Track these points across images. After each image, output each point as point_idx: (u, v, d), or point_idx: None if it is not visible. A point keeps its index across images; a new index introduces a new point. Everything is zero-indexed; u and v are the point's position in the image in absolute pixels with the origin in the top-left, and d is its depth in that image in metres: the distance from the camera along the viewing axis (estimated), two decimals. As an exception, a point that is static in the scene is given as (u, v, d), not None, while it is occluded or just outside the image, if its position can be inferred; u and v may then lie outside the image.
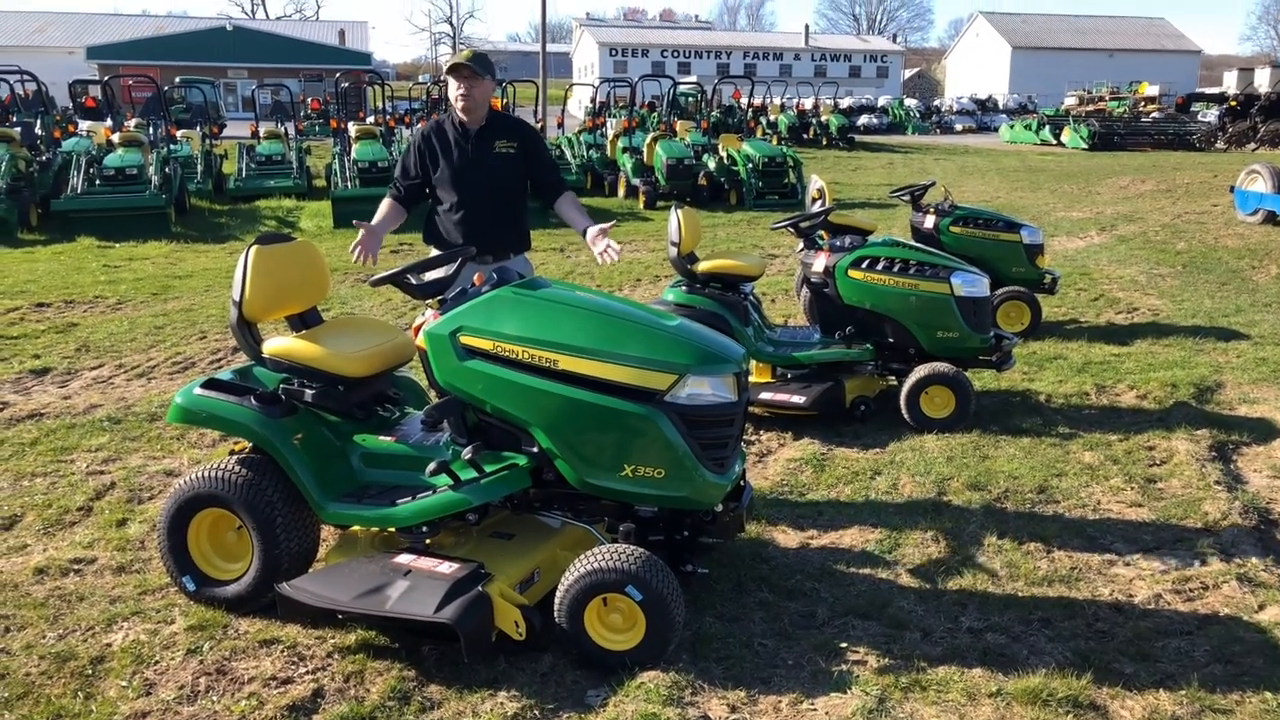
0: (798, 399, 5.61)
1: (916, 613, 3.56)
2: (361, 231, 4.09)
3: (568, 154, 19.40)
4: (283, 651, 3.27)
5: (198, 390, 3.59)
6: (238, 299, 3.61)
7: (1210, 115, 35.76)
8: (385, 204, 4.34)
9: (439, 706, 3.00)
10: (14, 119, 19.15)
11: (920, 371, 5.55)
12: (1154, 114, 38.79)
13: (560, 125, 22.48)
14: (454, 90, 4.18)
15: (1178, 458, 5.04)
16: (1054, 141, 34.46)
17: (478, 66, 4.15)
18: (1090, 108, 40.95)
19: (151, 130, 17.39)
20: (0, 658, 3.25)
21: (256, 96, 24.29)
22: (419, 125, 18.94)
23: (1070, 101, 44.30)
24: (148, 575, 3.84)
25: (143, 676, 3.14)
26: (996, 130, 42.01)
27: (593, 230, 4.05)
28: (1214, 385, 6.25)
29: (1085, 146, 32.00)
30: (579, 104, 36.48)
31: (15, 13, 53.01)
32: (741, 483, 3.65)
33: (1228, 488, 4.65)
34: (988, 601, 3.64)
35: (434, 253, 4.25)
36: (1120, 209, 16.22)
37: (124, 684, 3.10)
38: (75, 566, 3.93)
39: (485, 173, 4.26)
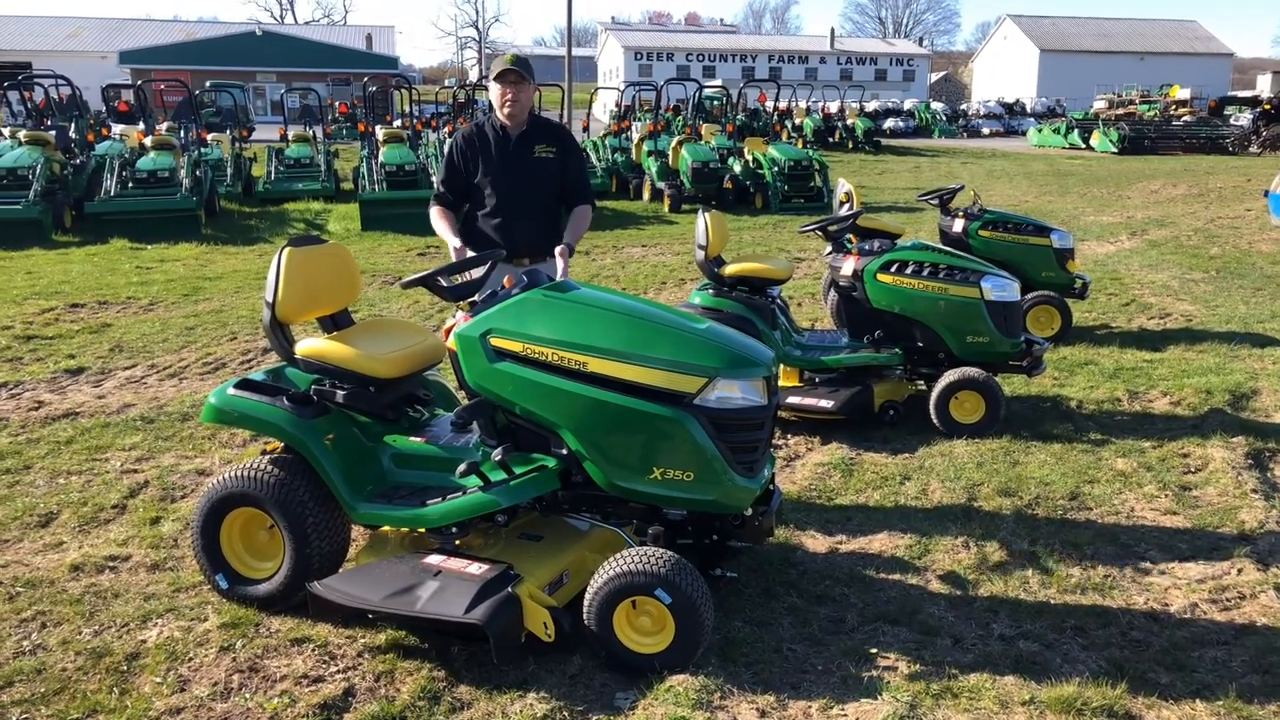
0: (826, 403, 5.58)
1: (947, 619, 3.53)
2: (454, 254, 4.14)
3: (593, 157, 19.45)
4: (314, 650, 3.30)
5: (231, 390, 3.63)
6: (271, 300, 3.64)
7: (1243, 119, 35.30)
8: (439, 212, 4.34)
9: (469, 707, 3.01)
10: (49, 123, 19.43)
11: (950, 376, 5.51)
12: (1185, 117, 38.32)
13: (585, 129, 22.56)
14: (498, 95, 4.23)
15: (1213, 465, 4.98)
16: (1083, 145, 34.14)
17: (523, 71, 4.21)
18: (1120, 111, 40.53)
19: (182, 134, 17.60)
20: (37, 653, 3.30)
21: (285, 100, 24.60)
22: (459, 127, 19.04)
23: (1099, 105, 43.85)
24: (181, 573, 3.88)
25: (177, 673, 3.17)
26: (1024, 134, 41.67)
27: (560, 248, 4.16)
28: (1249, 392, 6.16)
29: (1115, 150, 31.69)
30: (604, 108, 36.53)
31: (50, 18, 53.72)
32: (771, 487, 3.64)
33: (1265, 495, 4.58)
34: (1019, 609, 3.60)
35: (469, 255, 4.29)
36: (1151, 213, 16.04)
37: (158, 680, 3.13)
38: (110, 563, 3.98)
39: (526, 176, 4.30)
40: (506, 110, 4.24)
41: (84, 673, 3.18)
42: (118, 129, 19.19)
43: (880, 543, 4.19)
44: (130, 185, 14.31)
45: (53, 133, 16.51)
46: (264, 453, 3.67)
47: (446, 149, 4.42)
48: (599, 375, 3.21)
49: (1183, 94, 43.75)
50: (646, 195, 17.90)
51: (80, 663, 3.23)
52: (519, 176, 4.28)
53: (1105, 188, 20.58)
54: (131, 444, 5.43)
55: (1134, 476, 4.88)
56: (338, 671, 3.19)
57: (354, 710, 2.98)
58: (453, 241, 4.21)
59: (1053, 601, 3.66)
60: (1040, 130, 38.46)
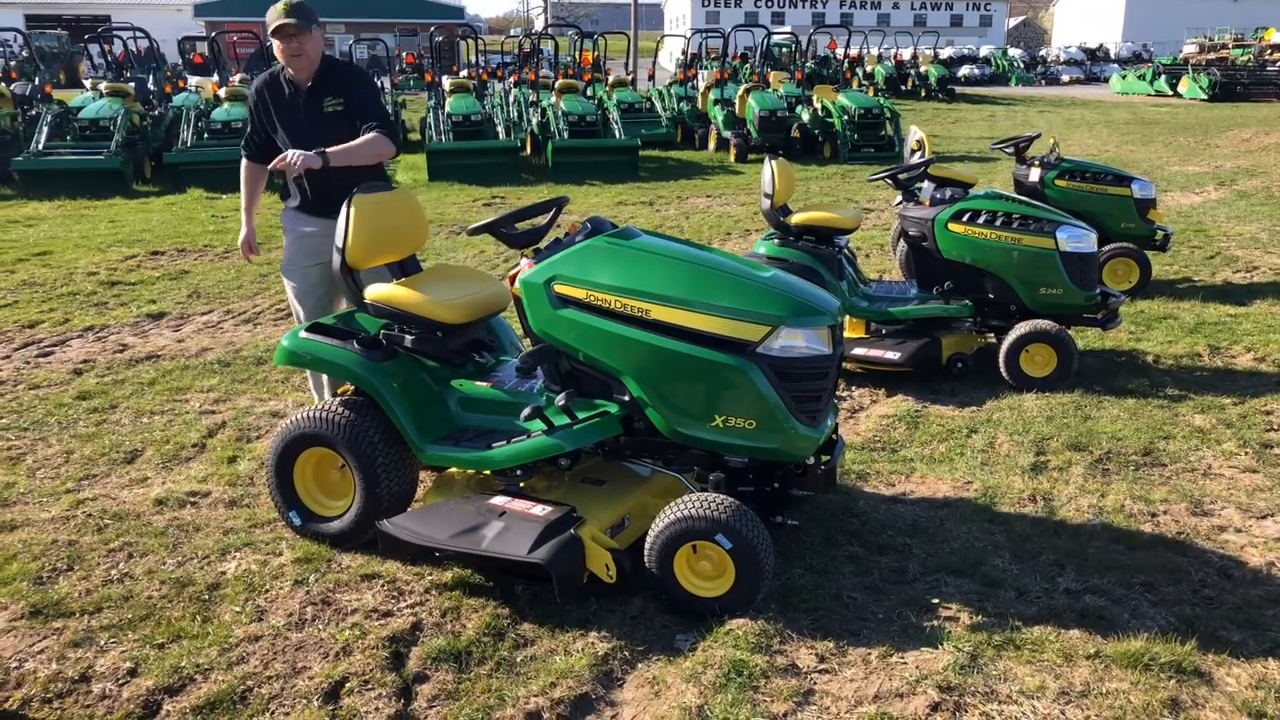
0: (892, 355, 5.51)
1: (1011, 572, 3.49)
2: (244, 233, 4.27)
3: (658, 106, 19.22)
4: (383, 586, 3.40)
5: (303, 334, 3.72)
6: (340, 246, 3.71)
7: (1345, 63, 33.37)
8: (245, 169, 4.38)
9: (532, 644, 3.09)
10: (128, 75, 19.88)
11: (1021, 329, 5.39)
12: (1282, 62, 36.35)
13: (651, 77, 22.30)
14: (280, 52, 4.02)
15: (1297, 423, 4.80)
16: (1170, 92, 32.70)
17: (301, 21, 3.96)
18: (1211, 56, 38.59)
19: (255, 85, 17.85)
20: (125, 582, 3.46)
21: (353, 51, 24.66)
22: (524, 77, 18.90)
23: (1189, 49, 41.77)
24: (257, 509, 4.03)
25: (254, 603, 3.31)
26: (1106, 81, 40.03)
27: (313, 154, 3.83)
28: (1340, 348, 5.91)
29: (1204, 97, 30.29)
30: (670, 56, 36.04)
31: (127, -29, 54.62)
32: (834, 436, 3.62)
33: (1351, 455, 4.41)
34: (1086, 563, 3.54)
35: (292, 205, 4.26)
36: (1241, 163, 15.34)
37: (237, 609, 3.27)
38: (191, 499, 4.15)
39: (318, 133, 4.02)
40: (295, 66, 4.05)
41: (168, 601, 3.33)
42: (193, 81, 19.58)
43: (944, 494, 4.15)
44: (205, 136, 14.62)
45: (132, 85, 16.91)
46: (335, 395, 3.76)
47: (248, 99, 4.25)
48: (661, 322, 3.21)
49: (1278, 37, 41.44)
50: (712, 145, 17.68)
51: (165, 591, 3.39)
52: (310, 134, 4.02)
53: (1192, 136, 19.72)
54: (209, 386, 5.62)
55: (1212, 433, 4.73)
56: (406, 607, 3.29)
57: (421, 644, 3.08)
58: (246, 214, 4.31)
59: (1121, 557, 3.58)
60: (1124, 77, 36.88)
